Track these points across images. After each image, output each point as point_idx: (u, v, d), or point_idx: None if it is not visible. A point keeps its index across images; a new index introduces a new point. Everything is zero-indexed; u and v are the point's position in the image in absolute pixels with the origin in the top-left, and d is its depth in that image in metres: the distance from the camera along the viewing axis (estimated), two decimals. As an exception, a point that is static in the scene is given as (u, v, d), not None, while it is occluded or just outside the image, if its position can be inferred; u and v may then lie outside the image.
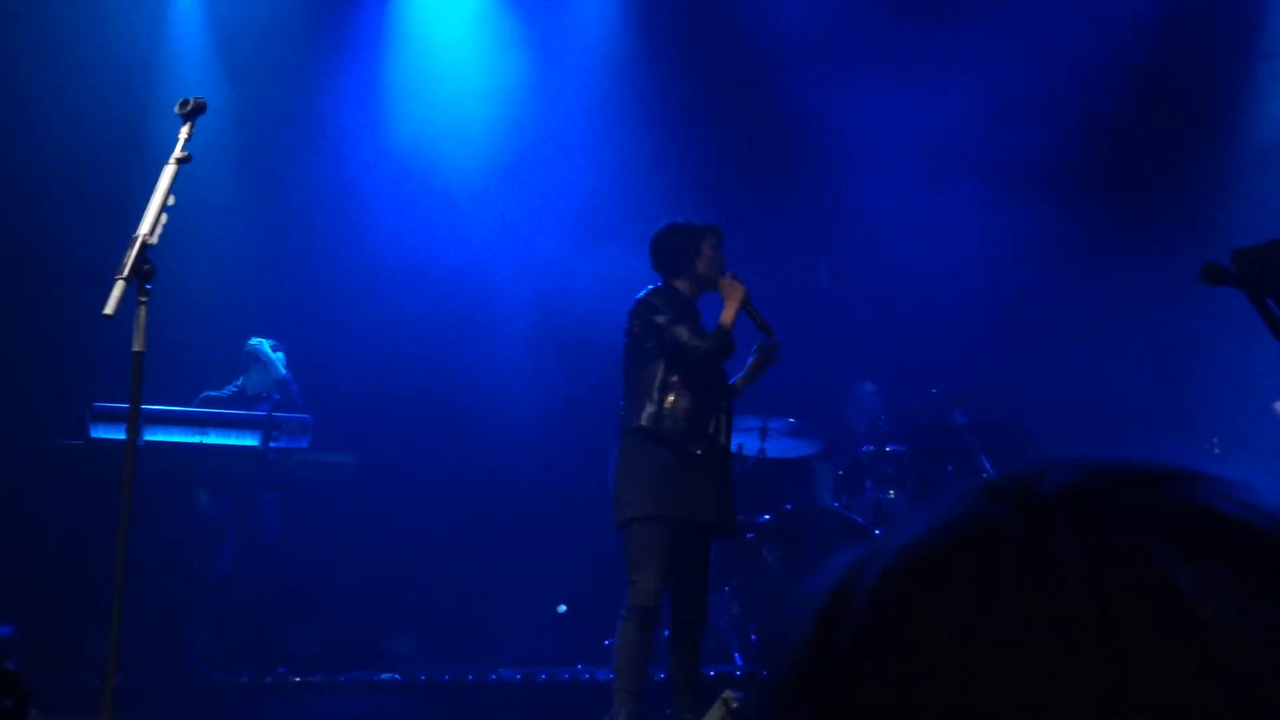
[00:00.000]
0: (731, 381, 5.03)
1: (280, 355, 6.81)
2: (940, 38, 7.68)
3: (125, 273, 2.84)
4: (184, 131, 3.07)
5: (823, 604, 0.54)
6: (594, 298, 7.33)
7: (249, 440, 6.24)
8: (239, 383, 6.84)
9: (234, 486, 6.38)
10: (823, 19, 7.67)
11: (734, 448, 6.74)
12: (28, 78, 7.22)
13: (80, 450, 5.98)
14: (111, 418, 5.91)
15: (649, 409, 4.72)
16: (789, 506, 6.49)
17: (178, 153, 3.03)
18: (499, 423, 7.37)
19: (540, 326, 7.66)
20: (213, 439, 6.19)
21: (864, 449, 6.75)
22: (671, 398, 4.73)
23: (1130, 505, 0.51)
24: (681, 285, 4.94)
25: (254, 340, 6.76)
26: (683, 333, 4.74)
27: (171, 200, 2.95)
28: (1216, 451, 6.19)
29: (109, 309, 2.81)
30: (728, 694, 3.69)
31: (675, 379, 4.75)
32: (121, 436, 5.79)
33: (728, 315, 4.86)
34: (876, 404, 7.19)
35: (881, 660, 0.50)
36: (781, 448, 6.89)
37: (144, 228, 2.89)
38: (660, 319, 4.79)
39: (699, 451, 4.72)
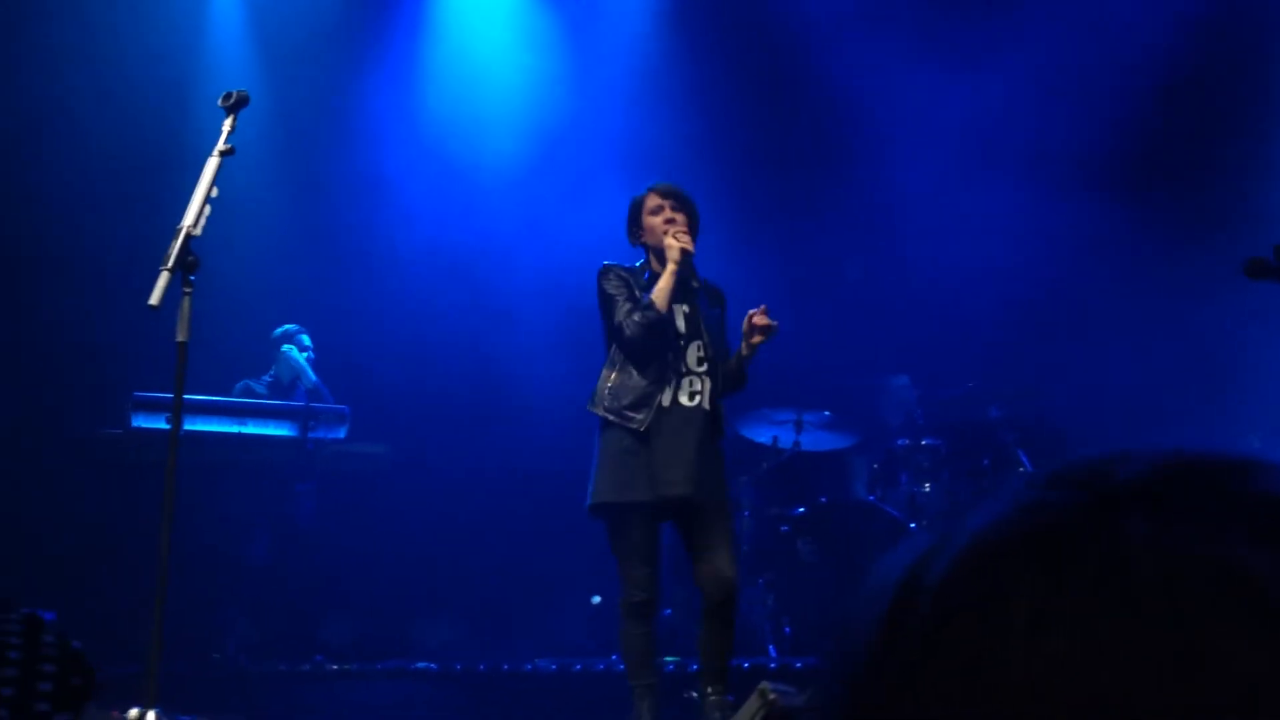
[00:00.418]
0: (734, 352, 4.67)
1: (307, 341, 6.86)
2: (980, 23, 7.61)
3: (170, 264, 2.87)
4: (227, 124, 3.10)
5: (892, 593, 0.54)
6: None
7: (286, 430, 6.29)
8: (273, 372, 6.89)
9: (271, 476, 6.42)
10: (859, 6, 7.63)
11: (768, 440, 6.78)
12: (71, 72, 7.29)
13: (121, 439, 6.04)
14: (152, 407, 5.97)
15: (596, 391, 4.52)
16: (824, 499, 6.48)
17: (221, 145, 3.06)
18: (534, 413, 7.39)
19: (573, 318, 7.67)
20: (251, 429, 6.24)
21: (899, 442, 6.73)
22: (614, 376, 4.49)
23: (1200, 495, 0.51)
24: (650, 258, 4.65)
25: (286, 347, 6.81)
26: (618, 310, 4.47)
27: (215, 192, 2.98)
28: (1256, 446, 6.13)
29: (154, 300, 2.84)
30: (764, 685, 3.66)
31: (619, 356, 4.50)
32: (161, 426, 5.88)
33: (659, 283, 4.47)
34: (911, 397, 7.16)
35: (952, 649, 0.50)
36: (816, 441, 6.88)
37: (188, 219, 2.92)
38: (605, 294, 4.56)
39: (643, 427, 4.37)
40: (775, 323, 4.51)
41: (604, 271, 4.57)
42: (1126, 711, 0.47)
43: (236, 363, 6.98)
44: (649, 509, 4.40)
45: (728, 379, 4.64)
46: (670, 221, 4.52)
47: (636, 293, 4.50)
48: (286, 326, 6.91)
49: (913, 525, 6.25)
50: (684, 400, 4.46)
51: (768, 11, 7.92)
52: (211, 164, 3.03)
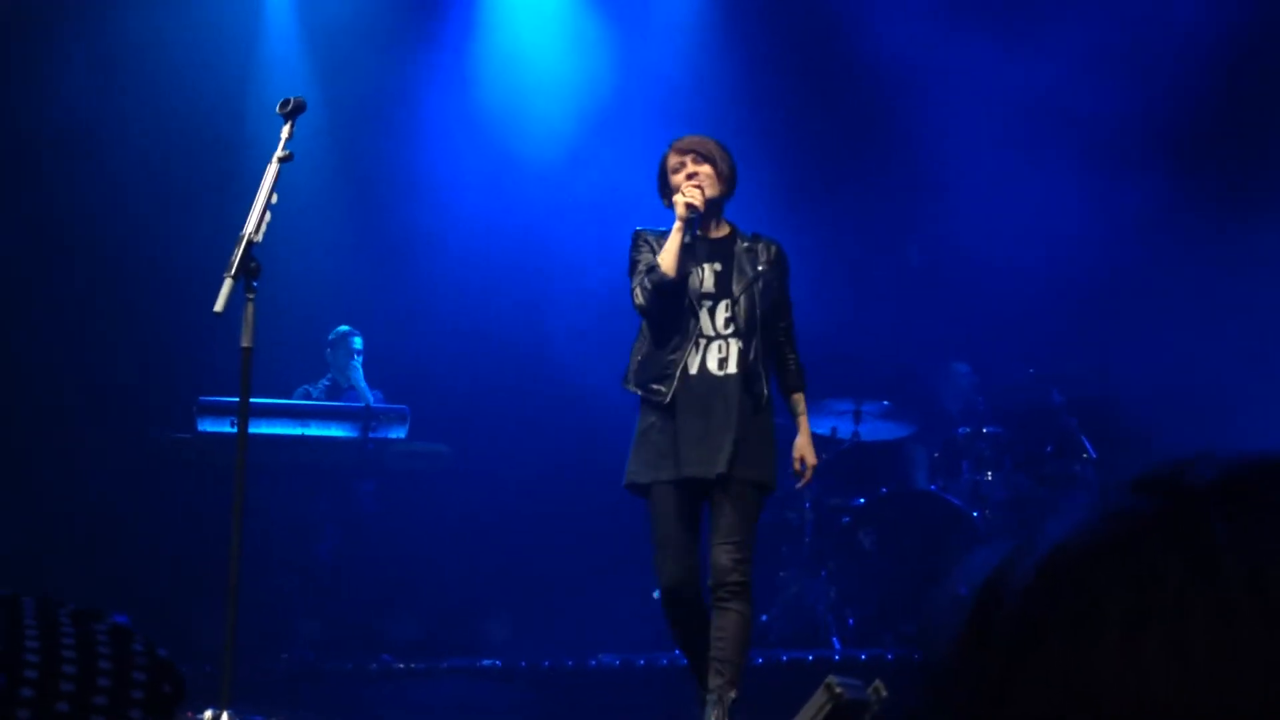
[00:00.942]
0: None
1: (358, 344, 6.92)
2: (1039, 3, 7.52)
3: (233, 271, 2.90)
4: (285, 131, 3.13)
5: (976, 600, 0.54)
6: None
7: (348, 431, 6.35)
8: (330, 376, 6.98)
9: (334, 477, 6.49)
10: None
11: (827, 431, 6.75)
12: (131, 80, 7.39)
13: (187, 443, 6.13)
14: (217, 411, 6.05)
15: (628, 367, 4.28)
16: (884, 490, 6.45)
17: (280, 152, 3.09)
18: (593, 408, 7.39)
19: (631, 313, 7.68)
20: (313, 430, 6.31)
21: (960, 431, 6.68)
22: (642, 348, 4.26)
23: None
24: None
25: (355, 362, 6.90)
26: (634, 279, 4.23)
27: (275, 199, 3.02)
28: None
29: (218, 306, 2.88)
30: (831, 679, 3.64)
31: (643, 326, 4.28)
32: (226, 429, 5.96)
33: (666, 242, 4.17)
34: (971, 385, 7.10)
35: (1043, 655, 0.50)
36: (876, 430, 6.85)
37: (249, 226, 2.95)
38: (630, 262, 4.30)
39: (666, 399, 4.10)
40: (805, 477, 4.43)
41: (634, 238, 4.34)
42: (1220, 712, 0.47)
43: (294, 365, 7.06)
44: (676, 489, 4.13)
45: (780, 378, 4.36)
46: (692, 177, 4.22)
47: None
48: (340, 329, 6.98)
49: (975, 514, 6.20)
50: (712, 368, 4.16)
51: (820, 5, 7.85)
52: (271, 170, 3.07)
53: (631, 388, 4.23)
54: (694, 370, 4.14)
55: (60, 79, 7.32)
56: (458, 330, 7.61)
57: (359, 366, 6.90)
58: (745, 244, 4.30)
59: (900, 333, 7.40)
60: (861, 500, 6.41)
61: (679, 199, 4.14)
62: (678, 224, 4.13)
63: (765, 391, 4.21)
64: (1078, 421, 6.60)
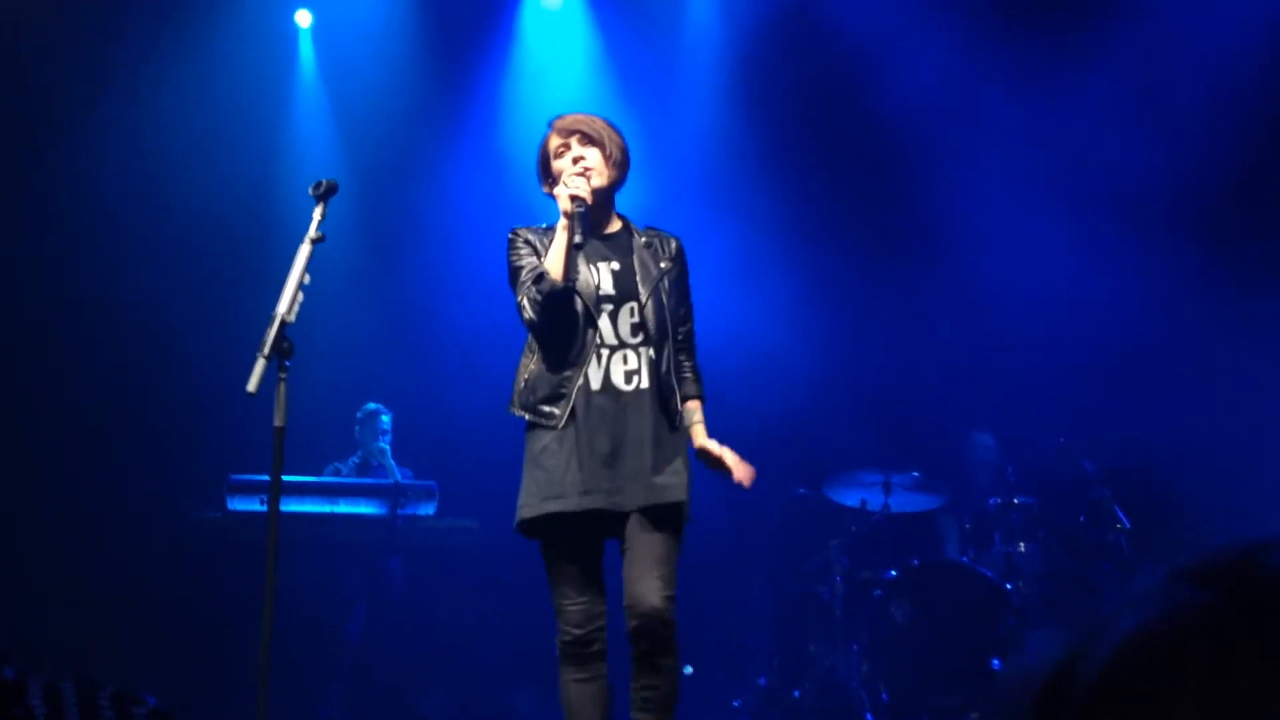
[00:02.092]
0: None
1: (387, 422, 6.96)
2: (1062, 53, 7.49)
3: (266, 350, 2.93)
4: (317, 212, 3.18)
5: (1043, 693, 0.53)
6: (719, 354, 7.33)
7: (377, 509, 6.36)
8: (360, 454, 7.01)
9: (364, 554, 6.49)
10: (943, 39, 7.61)
11: (856, 503, 6.71)
12: (168, 162, 7.53)
13: (218, 523, 6.15)
14: (247, 490, 6.08)
15: (513, 388, 3.69)
16: (915, 562, 6.39)
17: (312, 233, 3.14)
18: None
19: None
20: (342, 508, 6.32)
21: (990, 501, 6.62)
22: (530, 365, 3.66)
23: None
24: None
25: (384, 439, 6.93)
26: (517, 288, 3.64)
27: (307, 279, 3.06)
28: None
29: (252, 386, 2.91)
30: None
31: (529, 342, 3.69)
32: (256, 508, 5.99)
33: (552, 245, 3.57)
34: (995, 456, 7.07)
35: None
36: (905, 502, 6.80)
37: (282, 306, 2.99)
38: (509, 268, 3.70)
39: (560, 424, 3.53)
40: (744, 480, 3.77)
41: (511, 240, 3.71)
42: None
43: (324, 443, 7.10)
44: (576, 522, 3.55)
45: (676, 383, 3.71)
46: (577, 162, 3.66)
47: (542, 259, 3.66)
48: (368, 406, 7.02)
49: (1009, 586, 6.13)
50: (619, 382, 3.58)
51: (848, 59, 7.87)
52: (303, 251, 3.11)
53: (517, 412, 3.64)
54: (596, 385, 3.57)
55: (93, 158, 7.46)
56: (485, 407, 7.62)
57: (388, 444, 6.93)
58: (643, 239, 3.79)
59: (929, 403, 7.37)
60: (893, 573, 6.35)
61: (562, 191, 3.57)
62: (563, 221, 3.54)
63: (679, 409, 3.69)
64: (1111, 491, 6.53)
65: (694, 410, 3.77)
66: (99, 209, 7.46)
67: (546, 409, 3.57)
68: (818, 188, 7.98)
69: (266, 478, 3.16)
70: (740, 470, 3.74)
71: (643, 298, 3.64)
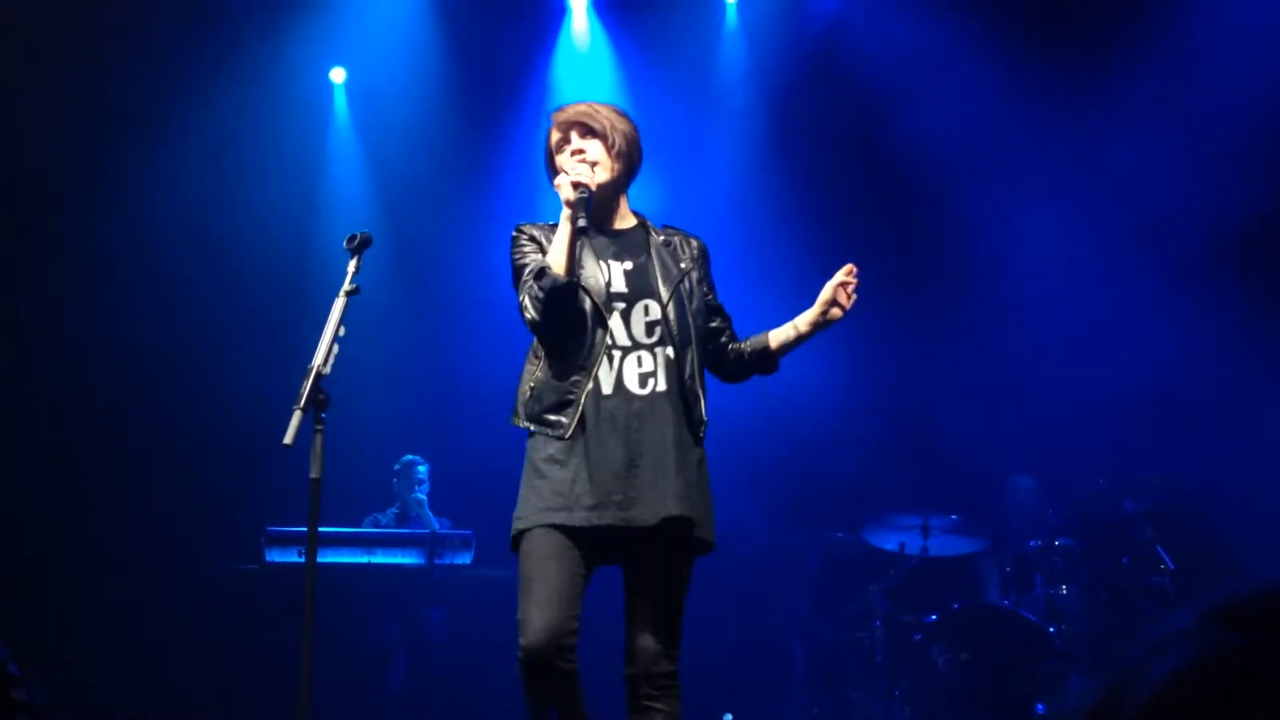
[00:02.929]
0: (766, 340, 3.58)
1: (423, 472, 7.00)
2: (1102, 86, 7.51)
3: (302, 403, 2.96)
4: (351, 265, 3.22)
5: None
6: (752, 397, 7.32)
7: (414, 559, 6.37)
8: (398, 505, 7.03)
9: (401, 604, 6.49)
10: (974, 73, 7.61)
11: (895, 547, 6.66)
12: (204, 219, 7.64)
13: (256, 574, 6.17)
14: (285, 541, 6.10)
15: (517, 397, 3.42)
16: (956, 605, 6.33)
17: (347, 285, 3.17)
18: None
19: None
20: (379, 559, 6.33)
21: (1031, 544, 6.55)
22: (536, 372, 3.37)
23: None
24: None
25: (421, 490, 6.96)
26: (521, 288, 3.35)
27: (342, 331, 3.09)
28: None
29: (288, 439, 2.93)
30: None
31: (534, 347, 3.42)
32: (294, 559, 6.00)
33: (554, 239, 3.31)
34: (1034, 499, 7.01)
35: None
36: (945, 545, 6.74)
37: (318, 359, 3.02)
38: (512, 267, 3.44)
39: (567, 433, 3.22)
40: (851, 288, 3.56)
41: (515, 236, 3.47)
42: None
43: (363, 494, 7.13)
44: (572, 536, 3.19)
45: (738, 359, 3.57)
46: (577, 155, 3.43)
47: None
48: (406, 457, 7.05)
49: (1051, 630, 6.06)
50: (632, 385, 3.28)
51: (873, 95, 7.88)
52: (338, 304, 3.14)
53: (520, 423, 3.38)
54: (608, 390, 3.27)
55: (135, 211, 7.57)
56: (519, 454, 7.64)
57: (425, 494, 6.95)
58: (661, 237, 3.54)
59: (967, 444, 7.32)
60: (933, 617, 6.29)
61: (562, 180, 3.33)
62: (565, 211, 3.27)
63: (704, 419, 3.39)
64: (1153, 532, 6.46)
65: (779, 330, 3.59)
66: (138, 262, 7.57)
67: (553, 417, 3.27)
68: (850, 226, 7.98)
69: (304, 529, 3.17)
70: (831, 292, 3.57)
71: (664, 297, 3.35)
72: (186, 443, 7.44)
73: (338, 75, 8.16)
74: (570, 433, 3.23)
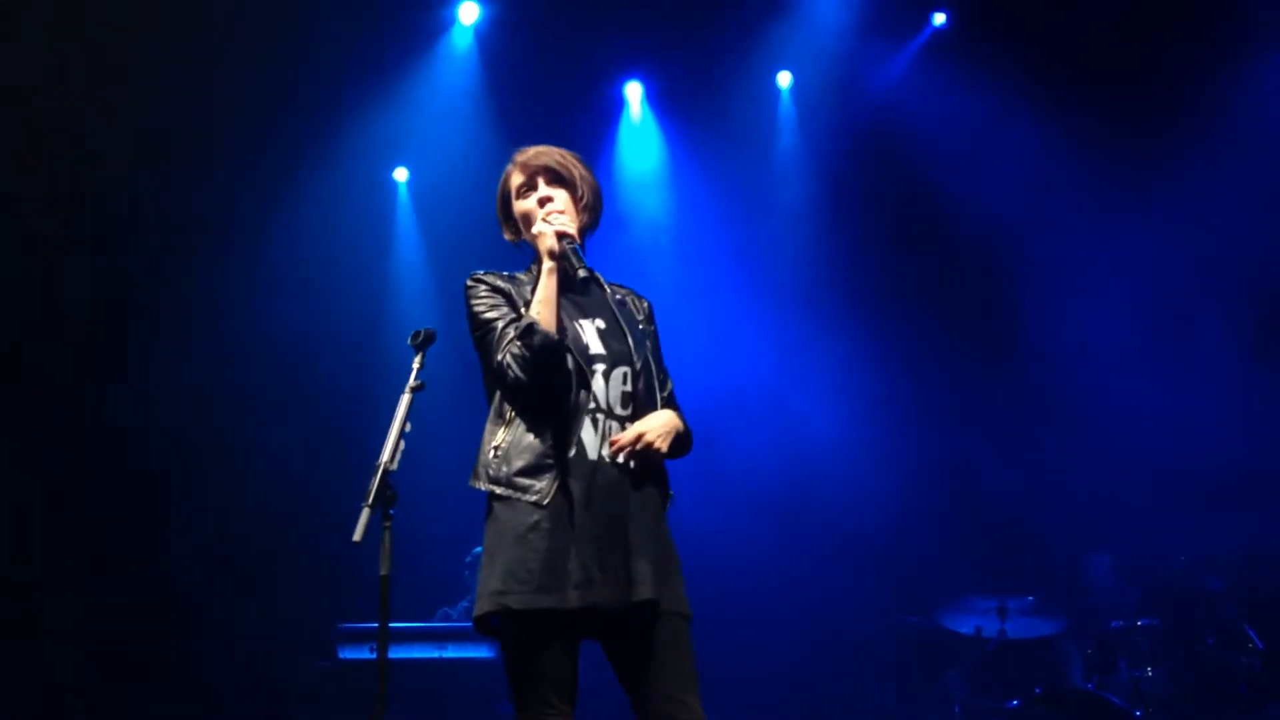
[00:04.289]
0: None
1: None
2: (1165, 158, 7.47)
3: (370, 500, 2.97)
4: (416, 361, 3.23)
5: None
6: (825, 479, 7.28)
7: (486, 653, 6.34)
8: (470, 598, 7.01)
9: (474, 699, 6.45)
10: (1031, 137, 7.60)
11: (971, 630, 6.51)
12: (275, 313, 7.77)
13: (330, 671, 6.17)
14: (357, 638, 6.11)
15: (478, 459, 3.18)
16: (1038, 690, 6.17)
17: (412, 381, 3.18)
18: (721, 609, 7.25)
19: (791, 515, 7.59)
20: (451, 653, 6.31)
21: (1113, 624, 6.39)
22: (500, 433, 3.14)
23: None
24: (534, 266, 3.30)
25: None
26: (496, 343, 3.14)
27: (409, 427, 3.10)
28: None
29: (357, 536, 2.93)
30: None
31: (506, 406, 3.16)
32: (367, 655, 6.00)
33: (537, 291, 3.14)
34: (1111, 577, 6.85)
35: None
36: (1023, 628, 6.60)
37: (385, 455, 3.02)
38: (476, 319, 3.23)
39: (545, 499, 3.01)
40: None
41: (471, 286, 3.26)
42: None
43: (434, 587, 7.13)
44: (565, 621, 2.99)
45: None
46: (544, 204, 3.26)
47: (522, 310, 3.18)
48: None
49: (1138, 714, 5.88)
50: (609, 454, 3.10)
51: (931, 170, 7.89)
52: (404, 400, 3.15)
53: (482, 485, 3.14)
54: (592, 455, 3.08)
55: (205, 311, 7.71)
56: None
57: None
58: (617, 295, 3.38)
59: (1042, 523, 7.20)
60: (1015, 702, 6.14)
61: (544, 229, 3.18)
62: (548, 264, 3.13)
63: (670, 493, 3.24)
64: (1239, 610, 6.28)
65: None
66: (209, 359, 7.70)
67: (526, 481, 3.05)
68: (913, 300, 7.96)
69: (376, 625, 3.17)
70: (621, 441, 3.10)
71: (636, 364, 3.18)
72: (259, 540, 7.49)
73: (400, 174, 8.34)
74: (548, 499, 3.02)
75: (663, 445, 3.12)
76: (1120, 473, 7.29)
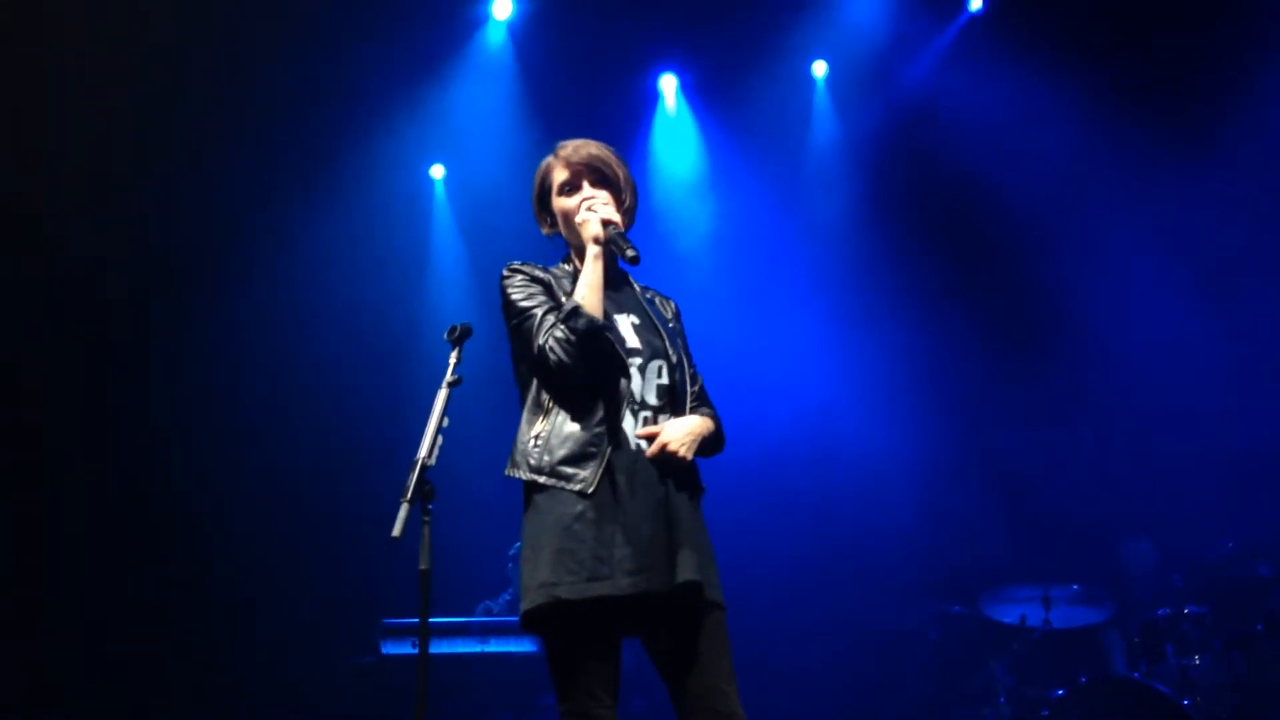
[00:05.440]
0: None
1: None
2: (1204, 136, 7.39)
3: (408, 495, 2.98)
4: (453, 356, 3.24)
5: None
6: (864, 470, 7.25)
7: (528, 646, 6.36)
8: (512, 590, 7.03)
9: (517, 692, 6.47)
10: (1068, 130, 7.53)
11: (1015, 619, 6.46)
12: (314, 308, 7.83)
13: (373, 667, 6.21)
14: (400, 633, 6.14)
15: (515, 448, 3.21)
16: (1084, 679, 6.11)
17: (449, 376, 3.19)
18: (762, 604, 7.24)
19: (773, 508, 7.58)
20: (493, 647, 6.33)
21: (1159, 612, 6.31)
22: (540, 422, 3.17)
23: None
24: (574, 254, 3.39)
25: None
26: (537, 328, 3.15)
27: (446, 422, 3.11)
28: None
29: (396, 531, 2.94)
30: None
31: (544, 396, 3.18)
32: (409, 651, 6.03)
33: (582, 277, 3.18)
34: (1154, 563, 6.76)
35: None
36: (1067, 616, 6.54)
37: (423, 450, 3.03)
38: (513, 307, 3.25)
39: (590, 487, 3.04)
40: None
41: (508, 275, 3.30)
42: None
43: (476, 581, 7.15)
44: (615, 610, 3.00)
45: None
46: (589, 200, 3.30)
47: (561, 298, 3.22)
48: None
49: (1186, 702, 5.81)
50: (646, 445, 3.15)
51: (968, 155, 7.82)
52: (441, 395, 3.16)
53: (522, 474, 3.16)
54: (633, 445, 3.11)
55: (246, 305, 7.78)
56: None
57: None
58: (648, 294, 3.45)
59: (1084, 509, 7.14)
60: (1060, 691, 6.08)
61: (589, 218, 3.22)
62: (595, 250, 3.18)
63: (703, 486, 3.27)
64: (1289, 596, 6.20)
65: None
66: (249, 356, 7.76)
67: (570, 470, 3.07)
68: (951, 293, 7.91)
69: (417, 620, 3.19)
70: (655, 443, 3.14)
71: (672, 358, 3.23)
72: (301, 537, 7.55)
73: (437, 171, 8.37)
74: (593, 487, 3.04)
75: (687, 454, 3.16)
76: (1165, 458, 7.21)
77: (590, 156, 3.33)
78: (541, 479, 3.12)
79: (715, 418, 3.35)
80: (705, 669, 3.04)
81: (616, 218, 3.27)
